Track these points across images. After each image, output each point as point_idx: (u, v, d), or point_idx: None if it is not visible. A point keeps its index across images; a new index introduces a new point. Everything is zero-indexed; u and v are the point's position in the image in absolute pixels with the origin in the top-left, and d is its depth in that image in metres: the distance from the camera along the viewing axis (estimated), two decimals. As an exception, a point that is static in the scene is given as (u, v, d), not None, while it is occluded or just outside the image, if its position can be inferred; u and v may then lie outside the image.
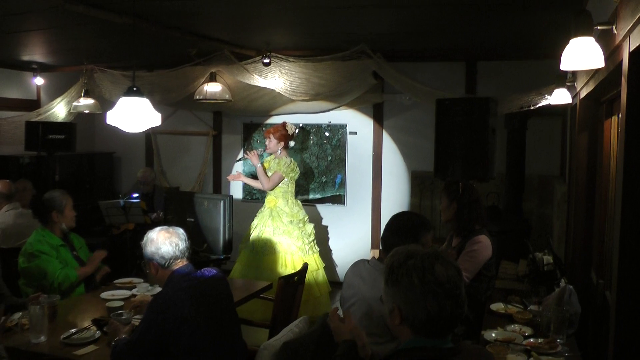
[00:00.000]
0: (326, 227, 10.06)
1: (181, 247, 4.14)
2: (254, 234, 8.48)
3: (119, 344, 3.95)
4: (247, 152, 8.61)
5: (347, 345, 3.05)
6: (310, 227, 8.61)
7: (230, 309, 4.30)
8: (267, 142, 8.57)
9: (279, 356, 3.63)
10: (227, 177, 9.03)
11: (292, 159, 8.56)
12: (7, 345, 4.05)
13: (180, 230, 4.23)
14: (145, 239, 4.18)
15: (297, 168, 8.59)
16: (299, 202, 8.71)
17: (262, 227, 8.47)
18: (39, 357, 4.17)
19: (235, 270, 8.41)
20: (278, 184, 8.42)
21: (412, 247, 2.64)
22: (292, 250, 8.35)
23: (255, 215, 8.67)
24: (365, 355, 3.06)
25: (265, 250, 8.32)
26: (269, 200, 8.54)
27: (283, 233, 8.36)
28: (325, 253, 9.94)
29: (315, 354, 3.64)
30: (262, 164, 8.53)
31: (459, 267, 2.56)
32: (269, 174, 8.46)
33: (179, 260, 4.12)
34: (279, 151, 8.55)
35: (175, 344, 3.82)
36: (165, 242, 4.09)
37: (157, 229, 4.22)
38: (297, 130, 8.73)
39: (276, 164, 8.46)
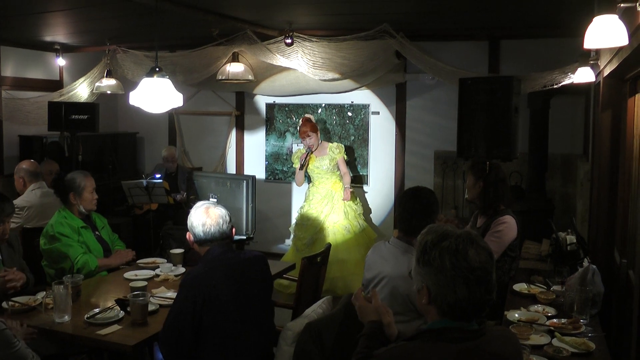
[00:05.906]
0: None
1: (223, 229, 4.10)
2: (331, 218, 8.69)
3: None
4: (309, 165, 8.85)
5: (373, 325, 3.02)
6: None
7: (264, 293, 4.24)
8: (307, 141, 8.73)
9: (302, 337, 3.63)
10: (343, 199, 8.81)
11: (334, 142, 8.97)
12: (30, 324, 4.09)
13: (224, 211, 4.18)
14: (192, 211, 4.16)
15: None
16: None
17: (338, 211, 8.71)
18: (62, 336, 4.21)
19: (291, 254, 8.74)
20: None
21: (446, 227, 2.58)
22: (360, 228, 8.80)
23: (311, 201, 8.86)
24: (391, 334, 3.04)
25: (349, 231, 8.63)
26: (335, 183, 8.80)
27: (355, 214, 8.80)
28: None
29: (339, 335, 3.65)
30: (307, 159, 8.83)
31: (492, 252, 2.52)
32: (326, 164, 8.72)
33: (217, 241, 4.09)
34: (320, 141, 8.89)
35: (202, 324, 3.79)
36: (206, 221, 4.07)
37: (203, 205, 4.19)
38: None
39: (333, 153, 8.73)
